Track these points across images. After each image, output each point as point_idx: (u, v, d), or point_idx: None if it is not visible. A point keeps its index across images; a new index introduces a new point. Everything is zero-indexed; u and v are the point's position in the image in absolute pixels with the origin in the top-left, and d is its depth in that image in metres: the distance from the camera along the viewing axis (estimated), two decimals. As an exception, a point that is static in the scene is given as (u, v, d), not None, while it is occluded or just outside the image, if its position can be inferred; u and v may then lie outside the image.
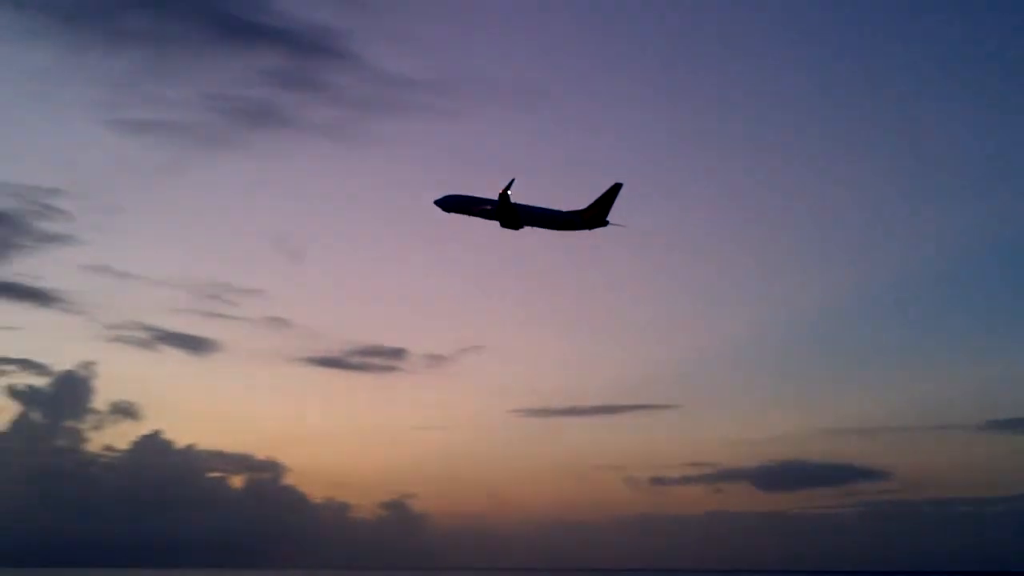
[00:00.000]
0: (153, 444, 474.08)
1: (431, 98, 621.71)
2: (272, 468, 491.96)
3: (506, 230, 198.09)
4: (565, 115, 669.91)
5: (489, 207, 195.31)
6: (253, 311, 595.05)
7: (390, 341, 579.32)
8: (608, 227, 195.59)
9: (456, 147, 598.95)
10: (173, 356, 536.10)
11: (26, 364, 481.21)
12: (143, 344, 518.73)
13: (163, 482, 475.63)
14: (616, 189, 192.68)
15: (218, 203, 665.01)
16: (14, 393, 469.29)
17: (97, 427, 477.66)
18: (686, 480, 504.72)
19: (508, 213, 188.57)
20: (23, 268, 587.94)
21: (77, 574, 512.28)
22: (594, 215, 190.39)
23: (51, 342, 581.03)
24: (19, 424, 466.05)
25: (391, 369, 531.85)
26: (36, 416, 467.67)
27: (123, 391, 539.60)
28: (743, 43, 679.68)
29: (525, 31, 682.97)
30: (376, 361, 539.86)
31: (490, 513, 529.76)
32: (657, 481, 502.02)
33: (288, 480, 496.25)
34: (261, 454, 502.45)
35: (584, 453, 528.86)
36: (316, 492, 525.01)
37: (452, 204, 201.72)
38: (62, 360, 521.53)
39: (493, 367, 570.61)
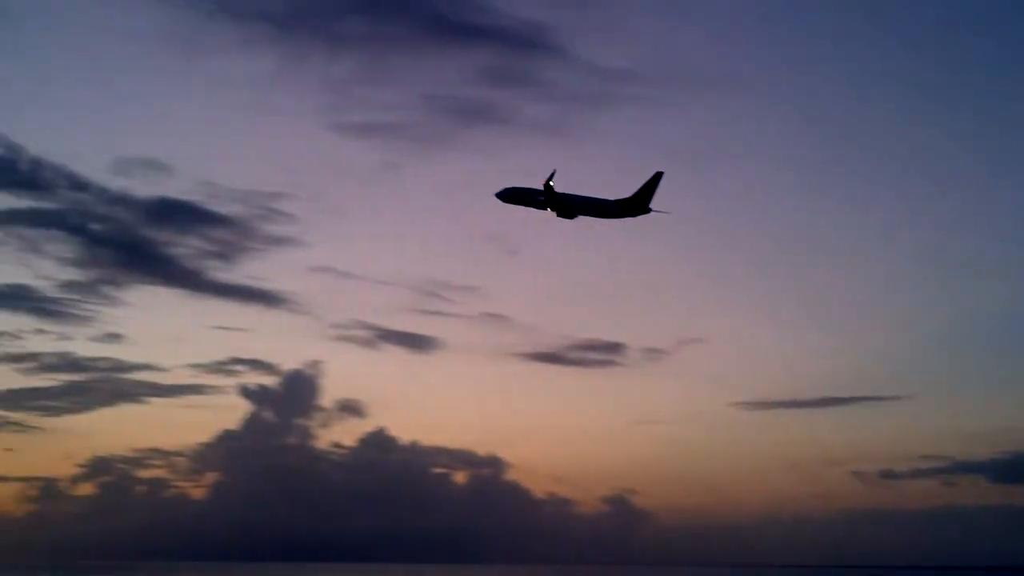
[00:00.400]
0: (378, 440, 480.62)
1: (643, 90, 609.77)
2: (494, 464, 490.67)
3: (562, 219, 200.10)
4: (775, 104, 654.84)
5: (541, 198, 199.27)
6: (471, 308, 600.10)
7: (608, 335, 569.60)
8: (653, 214, 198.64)
9: (669, 138, 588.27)
10: (395, 354, 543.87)
11: (256, 364, 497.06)
12: (366, 343, 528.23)
13: (388, 478, 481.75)
14: (658, 177, 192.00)
15: (435, 202, 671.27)
16: (246, 392, 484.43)
17: (324, 424, 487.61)
18: (917, 474, 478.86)
19: (555, 203, 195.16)
20: (252, 271, 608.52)
21: (307, 569, 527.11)
22: (636, 203, 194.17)
23: (279, 342, 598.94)
24: (251, 422, 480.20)
25: (609, 363, 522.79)
26: (267, 414, 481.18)
27: (348, 389, 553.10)
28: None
29: (734, 19, 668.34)
30: (594, 356, 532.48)
31: (712, 508, 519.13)
32: (887, 475, 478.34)
33: (510, 476, 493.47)
34: (483, 450, 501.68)
35: (808, 446, 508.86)
36: (538, 487, 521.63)
37: (510, 196, 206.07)
38: (290, 359, 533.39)
39: (712, 359, 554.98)
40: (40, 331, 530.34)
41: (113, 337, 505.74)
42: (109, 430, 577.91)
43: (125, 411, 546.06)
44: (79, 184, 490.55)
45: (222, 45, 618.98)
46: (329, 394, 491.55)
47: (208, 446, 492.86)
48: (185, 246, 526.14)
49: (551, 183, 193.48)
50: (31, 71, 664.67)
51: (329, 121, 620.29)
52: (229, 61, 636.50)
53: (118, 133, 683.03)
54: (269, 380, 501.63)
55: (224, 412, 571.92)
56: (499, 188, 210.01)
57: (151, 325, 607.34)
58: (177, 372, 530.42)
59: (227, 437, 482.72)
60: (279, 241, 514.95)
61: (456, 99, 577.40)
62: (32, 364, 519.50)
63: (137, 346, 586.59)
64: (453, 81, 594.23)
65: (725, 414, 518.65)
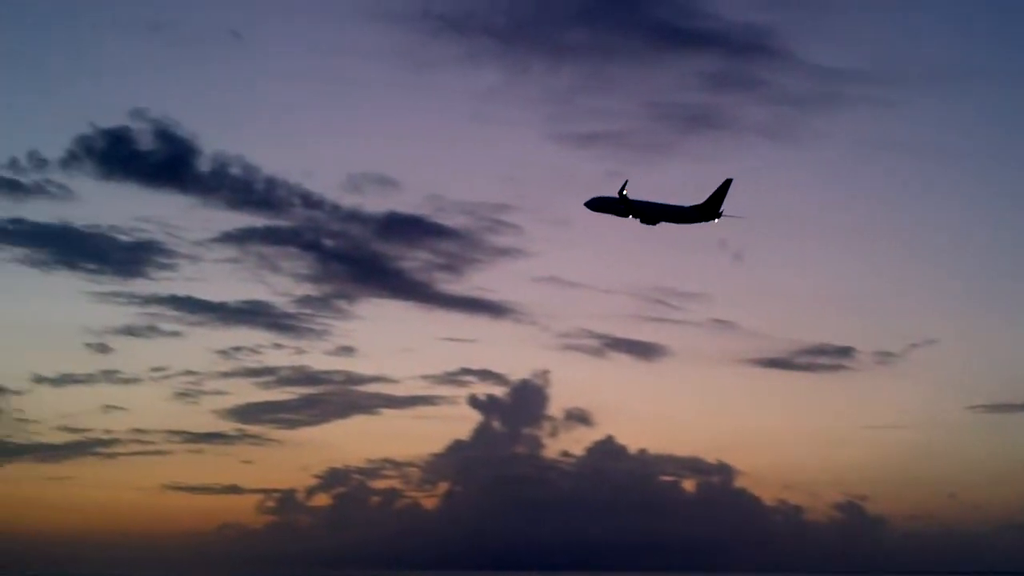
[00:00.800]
0: (607, 449, 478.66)
1: (867, 89, 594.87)
2: (723, 471, 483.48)
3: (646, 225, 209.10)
4: (1008, 98, 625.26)
5: (622, 206, 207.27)
6: (698, 314, 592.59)
7: (837, 339, 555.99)
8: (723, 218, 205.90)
9: (894, 138, 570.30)
10: (621, 362, 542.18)
11: (485, 374, 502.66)
12: (593, 351, 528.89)
13: (617, 487, 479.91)
14: (727, 184, 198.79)
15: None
16: (475, 403, 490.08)
17: (553, 433, 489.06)
18: None
19: (633, 210, 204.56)
20: (479, 282, 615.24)
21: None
22: (708, 208, 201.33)
23: (507, 352, 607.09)
24: (481, 432, 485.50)
25: (839, 368, 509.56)
26: (496, 424, 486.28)
27: (575, 398, 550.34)
28: None
29: (959, 11, 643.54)
30: (823, 360, 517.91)
31: (948, 514, 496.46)
32: None
33: (740, 483, 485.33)
34: (711, 457, 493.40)
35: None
36: (768, 495, 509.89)
37: (596, 205, 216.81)
38: (518, 369, 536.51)
39: (947, 362, 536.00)
40: (277, 345, 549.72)
41: (346, 350, 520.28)
42: (343, 441, 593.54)
43: (359, 423, 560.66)
44: (313, 202, 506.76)
45: (447, 61, 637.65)
46: (557, 403, 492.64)
47: (439, 456, 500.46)
48: (414, 259, 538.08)
49: (624, 192, 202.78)
50: (265, 93, 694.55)
51: (552, 131, 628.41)
52: (454, 76, 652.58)
53: (349, 151, 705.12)
54: (498, 390, 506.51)
55: (454, 422, 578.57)
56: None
57: (382, 338, 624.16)
58: (408, 383, 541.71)
59: (458, 447, 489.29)
60: (505, 252, 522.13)
61: (678, 105, 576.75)
62: (270, 378, 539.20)
63: (369, 358, 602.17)
64: (675, 87, 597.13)
65: (962, 417, 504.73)
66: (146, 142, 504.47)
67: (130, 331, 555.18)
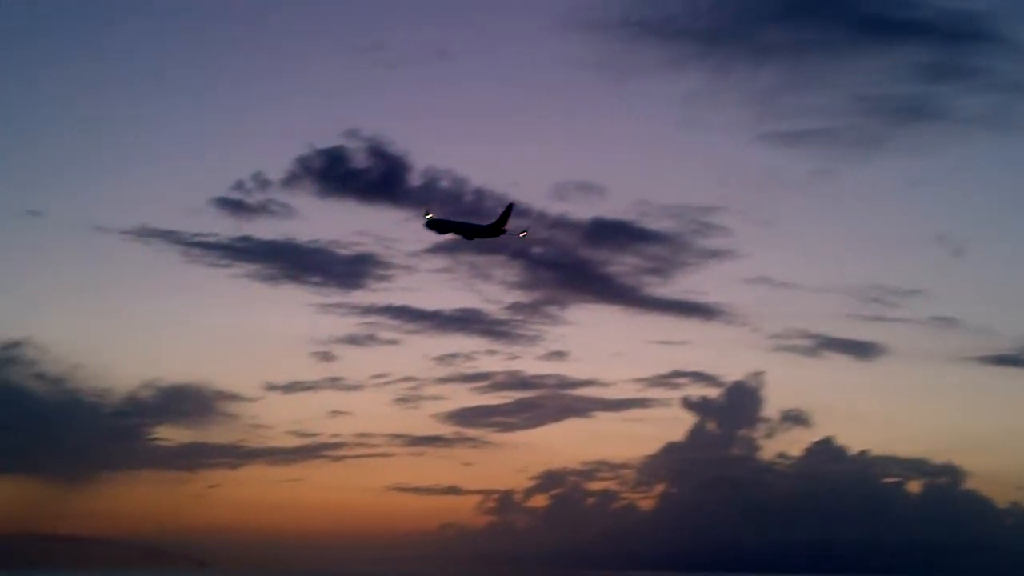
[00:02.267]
0: (825, 451, 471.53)
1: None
2: (950, 472, 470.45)
3: None
4: None
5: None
6: (916, 312, 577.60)
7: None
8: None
9: None
10: (837, 362, 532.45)
11: (698, 376, 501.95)
12: (807, 351, 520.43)
13: (836, 489, 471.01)
14: (510, 207, 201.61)
15: (872, 205, 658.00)
16: (689, 404, 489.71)
17: (769, 435, 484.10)
18: None
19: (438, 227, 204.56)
20: (689, 285, 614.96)
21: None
22: (497, 226, 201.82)
23: (719, 354, 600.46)
24: (695, 434, 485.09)
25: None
26: (710, 426, 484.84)
27: (791, 399, 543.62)
28: None
29: None
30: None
31: None
32: None
33: (968, 485, 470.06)
34: (937, 458, 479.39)
35: None
36: (1001, 497, 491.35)
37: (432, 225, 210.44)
38: (731, 371, 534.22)
39: None
40: (491, 351, 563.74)
41: (558, 355, 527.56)
42: (558, 444, 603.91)
43: (573, 426, 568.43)
44: (520, 211, 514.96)
45: (649, 66, 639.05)
46: (772, 404, 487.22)
47: (654, 458, 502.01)
48: (622, 264, 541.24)
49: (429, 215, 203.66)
50: (471, 107, 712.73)
51: (757, 132, 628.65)
52: (657, 81, 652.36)
53: (555, 160, 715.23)
54: (711, 392, 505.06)
55: (668, 425, 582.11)
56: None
57: (593, 342, 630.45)
58: (621, 386, 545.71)
59: (672, 449, 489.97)
60: (713, 254, 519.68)
61: (888, 98, 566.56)
62: (485, 383, 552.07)
63: (581, 362, 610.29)
64: (883, 80, 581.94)
65: None
66: (361, 160, 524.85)
67: (352, 340, 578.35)
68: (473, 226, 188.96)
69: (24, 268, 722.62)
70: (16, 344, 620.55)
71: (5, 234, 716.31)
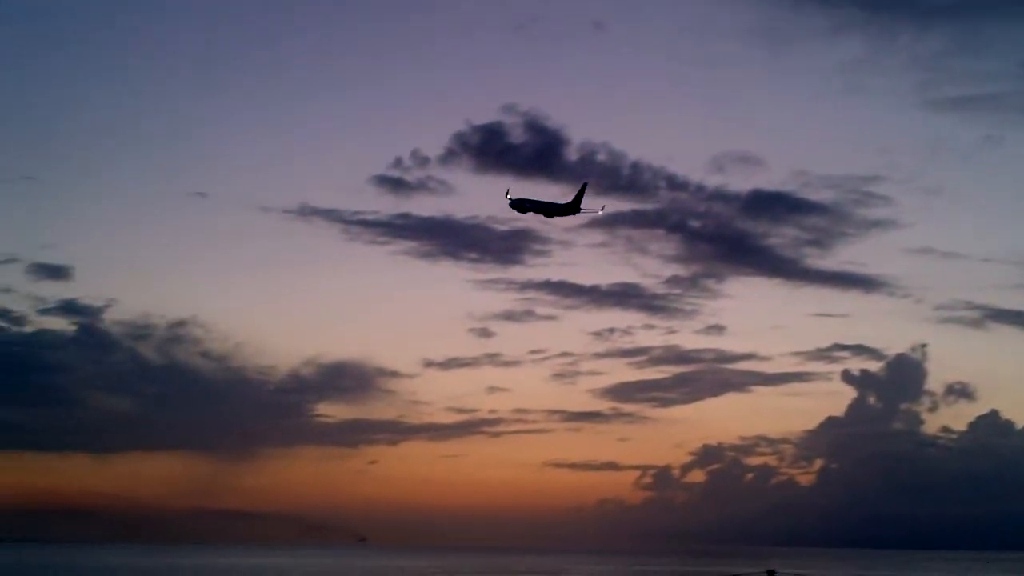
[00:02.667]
0: (991, 424, 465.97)
1: None
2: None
3: None
4: None
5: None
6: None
7: None
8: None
9: None
10: (1004, 333, 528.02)
11: (859, 349, 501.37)
12: (972, 323, 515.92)
13: (1004, 463, 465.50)
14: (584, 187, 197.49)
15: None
16: (849, 378, 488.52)
17: (932, 409, 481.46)
18: None
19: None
20: (849, 256, 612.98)
21: (916, 556, 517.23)
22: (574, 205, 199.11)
23: (880, 327, 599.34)
24: (856, 408, 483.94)
25: None
26: (871, 400, 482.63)
27: (955, 371, 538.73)
28: None
29: None
30: None
31: None
32: None
33: None
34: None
35: None
36: None
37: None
38: (893, 344, 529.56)
39: None
40: (649, 326, 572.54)
41: (716, 329, 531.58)
42: (716, 419, 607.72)
43: (731, 400, 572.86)
44: (678, 184, 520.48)
45: (810, 34, 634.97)
46: (935, 378, 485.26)
47: (813, 433, 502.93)
48: (781, 236, 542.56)
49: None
50: (627, 79, 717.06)
51: (922, 98, 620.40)
52: (817, 49, 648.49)
53: (712, 131, 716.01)
54: (872, 365, 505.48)
55: (828, 399, 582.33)
56: None
57: (751, 315, 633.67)
58: (779, 360, 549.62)
59: (831, 424, 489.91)
60: (875, 224, 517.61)
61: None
62: (642, 358, 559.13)
63: (739, 336, 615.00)
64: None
65: None
66: (517, 135, 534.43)
67: (509, 316, 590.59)
68: (553, 205, 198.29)
69: (189, 248, 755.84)
70: (182, 323, 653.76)
71: (171, 215, 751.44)
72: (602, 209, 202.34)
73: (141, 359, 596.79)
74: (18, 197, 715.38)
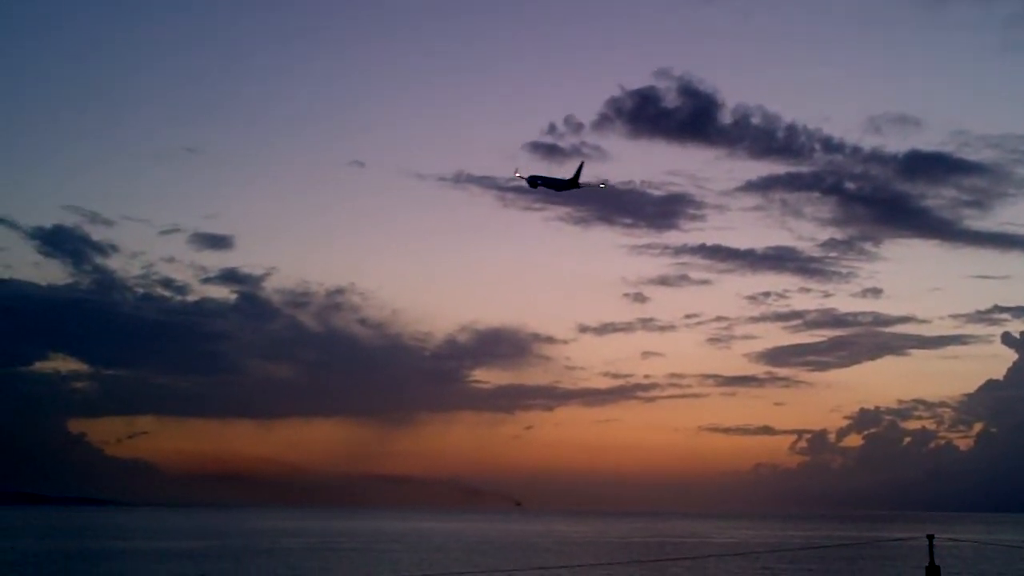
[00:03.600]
0: None
1: None
2: None
3: None
4: None
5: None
6: None
7: None
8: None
9: None
10: None
11: (1020, 311, 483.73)
12: None
13: None
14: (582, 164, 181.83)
15: None
16: (1009, 341, 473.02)
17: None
18: None
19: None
20: (1010, 217, 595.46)
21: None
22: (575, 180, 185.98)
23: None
24: (1017, 371, 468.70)
25: None
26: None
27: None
28: None
29: None
30: None
31: None
32: None
33: None
34: None
35: None
36: None
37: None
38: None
39: None
40: (804, 289, 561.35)
41: (872, 292, 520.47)
42: (873, 383, 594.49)
43: (888, 364, 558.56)
44: (833, 146, 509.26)
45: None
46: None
47: (972, 396, 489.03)
48: (938, 197, 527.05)
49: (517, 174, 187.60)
50: (781, 40, 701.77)
51: None
52: (975, 4, 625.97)
53: (868, 92, 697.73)
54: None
55: (988, 362, 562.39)
56: None
57: (908, 278, 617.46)
58: (937, 323, 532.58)
59: (991, 387, 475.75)
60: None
61: None
62: (797, 322, 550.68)
63: (896, 299, 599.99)
64: None
65: None
66: (671, 99, 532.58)
67: (663, 280, 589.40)
68: (559, 180, 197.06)
69: (347, 217, 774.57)
70: (340, 290, 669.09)
71: (329, 184, 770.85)
72: (602, 184, 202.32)
73: (300, 326, 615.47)
74: (181, 169, 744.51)
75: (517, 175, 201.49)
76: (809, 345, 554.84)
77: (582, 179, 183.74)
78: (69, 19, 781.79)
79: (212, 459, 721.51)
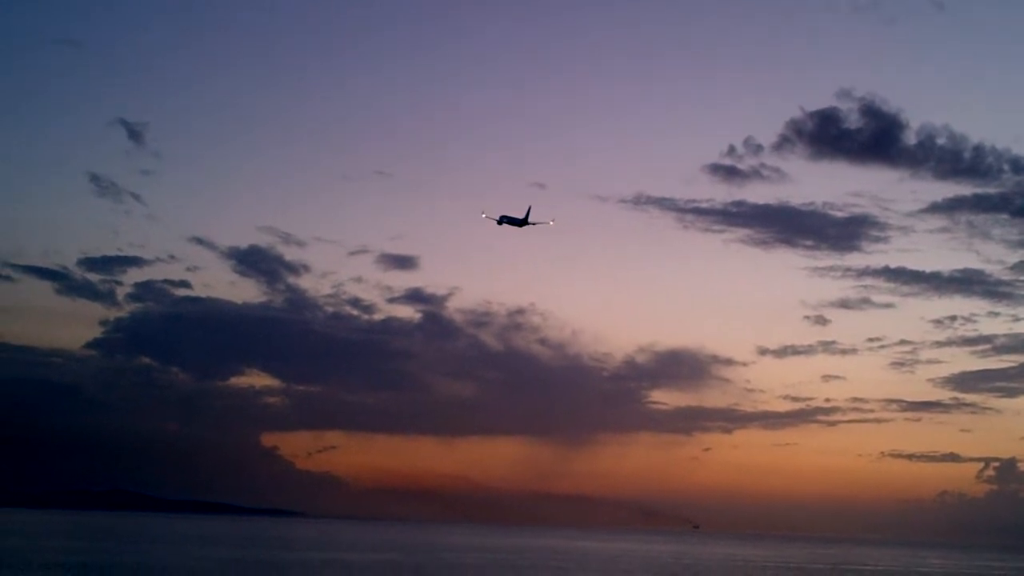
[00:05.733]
0: None
1: None
2: None
3: None
4: None
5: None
6: None
7: None
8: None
9: None
10: None
11: None
12: None
13: None
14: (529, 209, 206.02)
15: None
16: None
17: None
18: None
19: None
20: None
21: None
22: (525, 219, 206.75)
23: None
24: None
25: None
26: None
27: None
28: None
29: None
30: None
31: None
32: None
33: None
34: None
35: None
36: None
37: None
38: None
39: None
40: (992, 313, 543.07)
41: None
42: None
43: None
44: (1023, 166, 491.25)
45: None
46: None
47: None
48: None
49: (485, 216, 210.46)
50: (967, 60, 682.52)
51: None
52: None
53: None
54: None
55: None
56: None
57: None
58: None
59: None
60: None
61: None
62: (985, 347, 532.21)
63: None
64: None
65: None
66: (853, 120, 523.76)
67: (845, 303, 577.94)
68: (517, 219, 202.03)
69: (528, 238, 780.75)
70: (521, 311, 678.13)
71: (511, 207, 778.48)
72: (552, 221, 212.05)
73: (482, 346, 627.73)
74: (370, 192, 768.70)
75: (485, 216, 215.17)
76: (998, 371, 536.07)
77: (532, 218, 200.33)
78: (270, 51, 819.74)
79: (396, 474, 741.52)
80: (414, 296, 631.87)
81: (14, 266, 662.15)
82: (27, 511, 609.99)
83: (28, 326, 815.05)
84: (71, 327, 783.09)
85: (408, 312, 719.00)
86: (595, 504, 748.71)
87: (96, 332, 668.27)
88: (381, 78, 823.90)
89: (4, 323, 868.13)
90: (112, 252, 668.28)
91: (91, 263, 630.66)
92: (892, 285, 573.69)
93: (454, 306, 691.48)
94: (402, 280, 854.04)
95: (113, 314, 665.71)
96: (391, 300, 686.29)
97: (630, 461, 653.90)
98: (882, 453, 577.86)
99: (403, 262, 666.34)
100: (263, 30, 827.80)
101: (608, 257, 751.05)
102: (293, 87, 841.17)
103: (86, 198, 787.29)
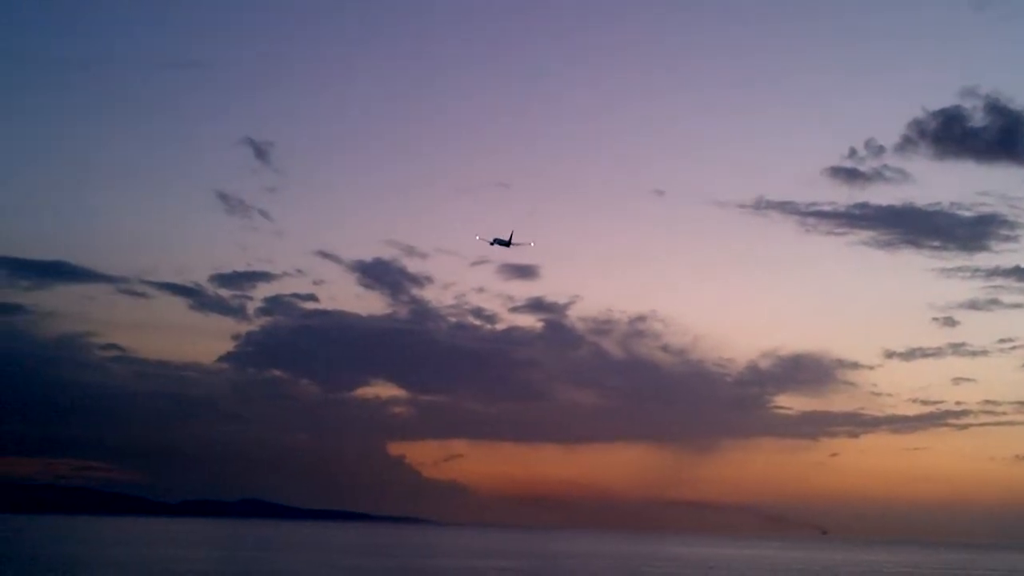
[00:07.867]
0: None
1: None
2: None
3: None
4: None
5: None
6: None
7: None
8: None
9: None
10: None
11: None
12: None
13: None
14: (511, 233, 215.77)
15: None
16: None
17: None
18: None
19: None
20: None
21: None
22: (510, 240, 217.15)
23: None
24: None
25: None
26: None
27: None
28: None
29: None
30: None
31: None
32: None
33: None
34: None
35: None
36: None
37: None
38: None
39: None
40: None
41: None
42: None
43: None
44: None
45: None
46: None
47: None
48: None
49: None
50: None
51: None
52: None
53: None
54: None
55: None
56: None
57: None
58: None
59: None
60: None
61: None
62: None
63: None
64: None
65: None
66: (978, 119, 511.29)
67: (974, 304, 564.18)
68: (505, 241, 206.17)
69: (648, 245, 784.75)
70: (642, 318, 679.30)
71: (631, 213, 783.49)
72: (532, 243, 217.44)
73: (604, 354, 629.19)
74: (493, 202, 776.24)
75: (478, 239, 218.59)
76: None
77: (515, 240, 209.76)
78: (388, 68, 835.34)
79: (520, 482, 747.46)
80: (536, 305, 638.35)
81: (149, 283, 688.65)
82: (166, 519, 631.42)
83: (163, 341, 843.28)
84: (204, 341, 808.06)
85: (530, 321, 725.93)
86: (719, 510, 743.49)
87: (228, 346, 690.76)
88: (499, 93, 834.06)
89: (141, 339, 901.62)
90: (242, 268, 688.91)
91: (222, 279, 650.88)
92: (1023, 285, 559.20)
93: (575, 314, 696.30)
94: (523, 289, 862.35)
95: (244, 328, 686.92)
96: (513, 309, 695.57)
97: (754, 467, 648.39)
98: (1017, 456, 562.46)
99: (524, 271, 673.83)
100: (381, 50, 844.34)
101: (729, 262, 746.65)
102: (413, 103, 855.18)
103: (215, 215, 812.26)
